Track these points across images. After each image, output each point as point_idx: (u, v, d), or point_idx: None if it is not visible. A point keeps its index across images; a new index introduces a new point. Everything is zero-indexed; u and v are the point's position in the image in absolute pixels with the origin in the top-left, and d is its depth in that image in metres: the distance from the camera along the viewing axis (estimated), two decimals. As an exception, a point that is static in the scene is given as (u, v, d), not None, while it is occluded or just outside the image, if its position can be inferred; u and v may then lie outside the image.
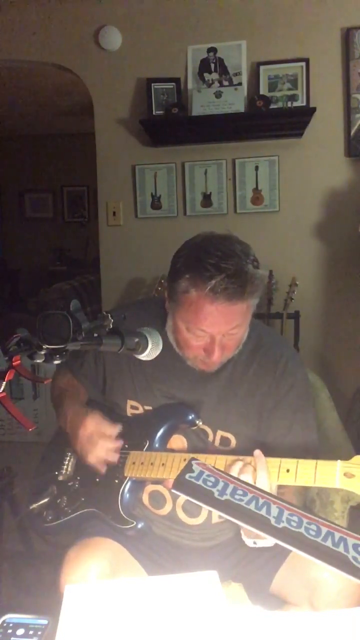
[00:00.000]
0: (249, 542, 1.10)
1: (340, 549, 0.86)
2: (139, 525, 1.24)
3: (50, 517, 1.34)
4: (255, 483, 1.07)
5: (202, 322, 1.15)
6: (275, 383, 1.28)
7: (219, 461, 1.15)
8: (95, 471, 1.29)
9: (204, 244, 1.17)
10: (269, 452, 1.15)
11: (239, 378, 1.29)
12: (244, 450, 1.20)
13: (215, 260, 1.11)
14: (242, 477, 1.08)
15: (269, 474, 1.08)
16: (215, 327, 1.16)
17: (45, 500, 1.35)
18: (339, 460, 1.06)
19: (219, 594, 0.81)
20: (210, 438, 1.28)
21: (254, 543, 1.09)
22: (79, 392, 1.43)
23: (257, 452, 1.12)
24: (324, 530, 0.90)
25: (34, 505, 1.36)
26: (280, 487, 1.15)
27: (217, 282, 1.10)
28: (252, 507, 0.96)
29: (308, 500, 1.46)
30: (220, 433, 1.28)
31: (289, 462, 1.10)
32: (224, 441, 1.28)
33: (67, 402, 1.38)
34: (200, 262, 1.12)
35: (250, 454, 1.13)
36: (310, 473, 1.07)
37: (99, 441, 1.26)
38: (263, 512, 0.95)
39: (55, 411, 1.43)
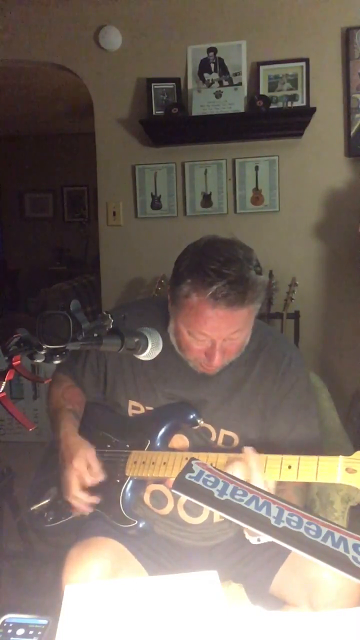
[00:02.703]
0: (253, 539, 1.10)
1: (340, 549, 0.86)
2: (141, 525, 1.24)
3: (51, 518, 1.34)
4: (249, 481, 1.07)
5: (202, 326, 1.16)
6: (278, 382, 1.28)
7: (220, 459, 1.15)
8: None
9: (207, 249, 1.17)
10: (273, 450, 1.15)
11: (242, 377, 1.29)
12: None
13: (216, 266, 1.11)
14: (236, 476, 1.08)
15: (260, 470, 1.09)
16: (215, 332, 1.16)
17: (46, 501, 1.35)
18: (340, 456, 1.06)
19: (219, 594, 0.81)
20: (213, 437, 1.29)
21: (258, 540, 1.09)
22: (76, 409, 1.40)
23: (246, 449, 1.12)
24: (324, 530, 0.90)
25: (35, 507, 1.36)
26: (279, 484, 1.15)
27: (217, 289, 1.10)
28: (252, 507, 0.96)
29: (308, 500, 1.46)
30: (223, 432, 1.28)
31: (291, 459, 1.10)
32: (227, 440, 1.28)
33: (67, 424, 1.33)
34: (201, 268, 1.12)
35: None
36: (312, 469, 1.07)
37: (73, 490, 1.23)
38: (263, 512, 0.95)
39: (51, 424, 1.40)
